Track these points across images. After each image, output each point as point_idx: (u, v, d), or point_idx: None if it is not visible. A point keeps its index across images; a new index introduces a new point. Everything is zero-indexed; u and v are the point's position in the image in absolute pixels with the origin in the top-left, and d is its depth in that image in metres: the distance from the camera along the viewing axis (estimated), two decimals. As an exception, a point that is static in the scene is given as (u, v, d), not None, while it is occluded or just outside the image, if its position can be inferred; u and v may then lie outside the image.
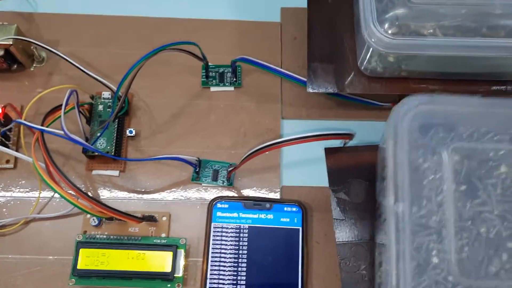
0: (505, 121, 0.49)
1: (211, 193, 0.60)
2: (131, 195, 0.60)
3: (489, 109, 0.50)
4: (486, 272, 0.45)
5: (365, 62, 0.57)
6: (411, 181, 0.46)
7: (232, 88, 0.65)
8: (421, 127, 0.49)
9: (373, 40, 0.51)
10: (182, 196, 0.60)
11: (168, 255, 0.55)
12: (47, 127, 0.54)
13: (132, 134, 0.61)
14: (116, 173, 0.61)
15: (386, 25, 0.52)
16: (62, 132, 0.53)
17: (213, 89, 0.65)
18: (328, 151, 0.60)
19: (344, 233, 0.57)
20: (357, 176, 0.59)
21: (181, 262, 0.56)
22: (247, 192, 0.61)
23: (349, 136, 0.57)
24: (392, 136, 0.48)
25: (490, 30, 0.52)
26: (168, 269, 0.55)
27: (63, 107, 0.53)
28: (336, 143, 0.61)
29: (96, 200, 0.51)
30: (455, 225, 0.46)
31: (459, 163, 0.48)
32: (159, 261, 0.55)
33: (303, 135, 0.53)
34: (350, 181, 0.58)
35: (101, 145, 0.59)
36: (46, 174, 0.51)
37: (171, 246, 0.55)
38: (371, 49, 0.53)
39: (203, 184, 0.61)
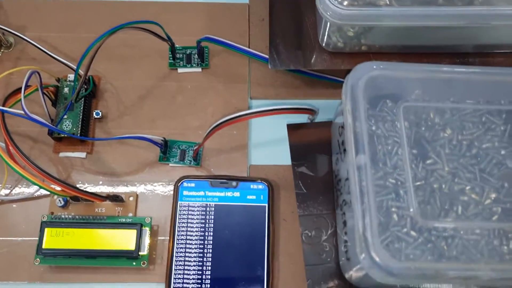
0: (446, 87, 0.51)
1: (178, 173, 0.60)
2: (99, 177, 0.60)
3: (431, 75, 0.50)
4: (443, 226, 0.46)
5: (325, 38, 0.57)
6: (368, 142, 0.47)
7: (199, 69, 0.65)
8: (370, 99, 0.50)
9: (328, 13, 0.51)
10: (149, 176, 0.60)
11: (133, 233, 0.55)
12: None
13: (98, 116, 0.61)
14: (83, 155, 0.61)
15: (340, -3, 0.52)
16: (22, 112, 0.53)
17: (180, 70, 0.65)
18: (290, 127, 0.60)
19: (306, 206, 0.57)
20: (318, 151, 0.59)
21: (147, 240, 0.56)
22: (215, 172, 0.61)
23: (311, 111, 0.57)
24: (349, 96, 0.48)
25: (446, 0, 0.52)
26: (132, 247, 0.55)
27: (23, 87, 0.53)
28: (301, 120, 0.61)
29: (57, 179, 0.51)
30: (410, 184, 0.47)
31: (408, 129, 0.49)
32: (123, 240, 0.55)
33: (265, 109, 0.53)
34: (311, 156, 0.59)
35: (67, 127, 0.59)
36: (6, 154, 0.51)
37: (136, 224, 0.56)
38: (328, 23, 0.53)
39: (170, 165, 0.61)
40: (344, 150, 0.49)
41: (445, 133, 0.50)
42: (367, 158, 0.46)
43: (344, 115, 0.49)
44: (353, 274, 0.50)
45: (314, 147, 0.59)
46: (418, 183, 0.47)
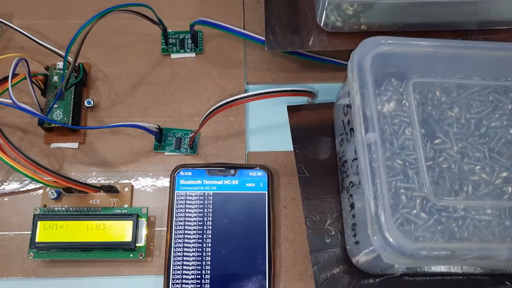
0: (452, 64, 0.49)
1: (174, 162, 0.58)
2: (93, 167, 0.58)
3: (439, 50, 0.49)
4: (454, 206, 0.45)
5: (323, 17, 0.55)
6: (377, 120, 0.45)
7: (193, 54, 0.63)
8: (375, 78, 0.47)
9: (325, -12, 0.50)
10: (144, 166, 0.58)
11: (129, 224, 0.53)
12: (-4, 98, 0.52)
13: (90, 105, 0.59)
14: (75, 145, 0.59)
15: (338, -28, 0.50)
16: (10, 102, 0.51)
17: (173, 56, 0.63)
18: (291, 109, 0.59)
19: (309, 190, 0.55)
20: (320, 133, 0.57)
21: (143, 231, 0.54)
22: (212, 160, 0.59)
23: (311, 94, 0.55)
24: (356, 72, 0.46)
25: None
26: (128, 238, 0.53)
27: (10, 75, 0.51)
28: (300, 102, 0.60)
29: (50, 170, 0.49)
30: (419, 165, 0.45)
31: (415, 107, 0.48)
32: (119, 231, 0.53)
33: (262, 91, 0.52)
34: (313, 138, 0.57)
35: (57, 117, 0.57)
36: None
37: (132, 215, 0.54)
38: (326, 1, 0.51)
39: (165, 153, 0.59)
40: (351, 129, 0.47)
41: (452, 112, 0.48)
42: (377, 136, 0.44)
43: (350, 92, 0.47)
44: (361, 258, 0.48)
45: (315, 129, 0.58)
46: (427, 163, 0.46)
